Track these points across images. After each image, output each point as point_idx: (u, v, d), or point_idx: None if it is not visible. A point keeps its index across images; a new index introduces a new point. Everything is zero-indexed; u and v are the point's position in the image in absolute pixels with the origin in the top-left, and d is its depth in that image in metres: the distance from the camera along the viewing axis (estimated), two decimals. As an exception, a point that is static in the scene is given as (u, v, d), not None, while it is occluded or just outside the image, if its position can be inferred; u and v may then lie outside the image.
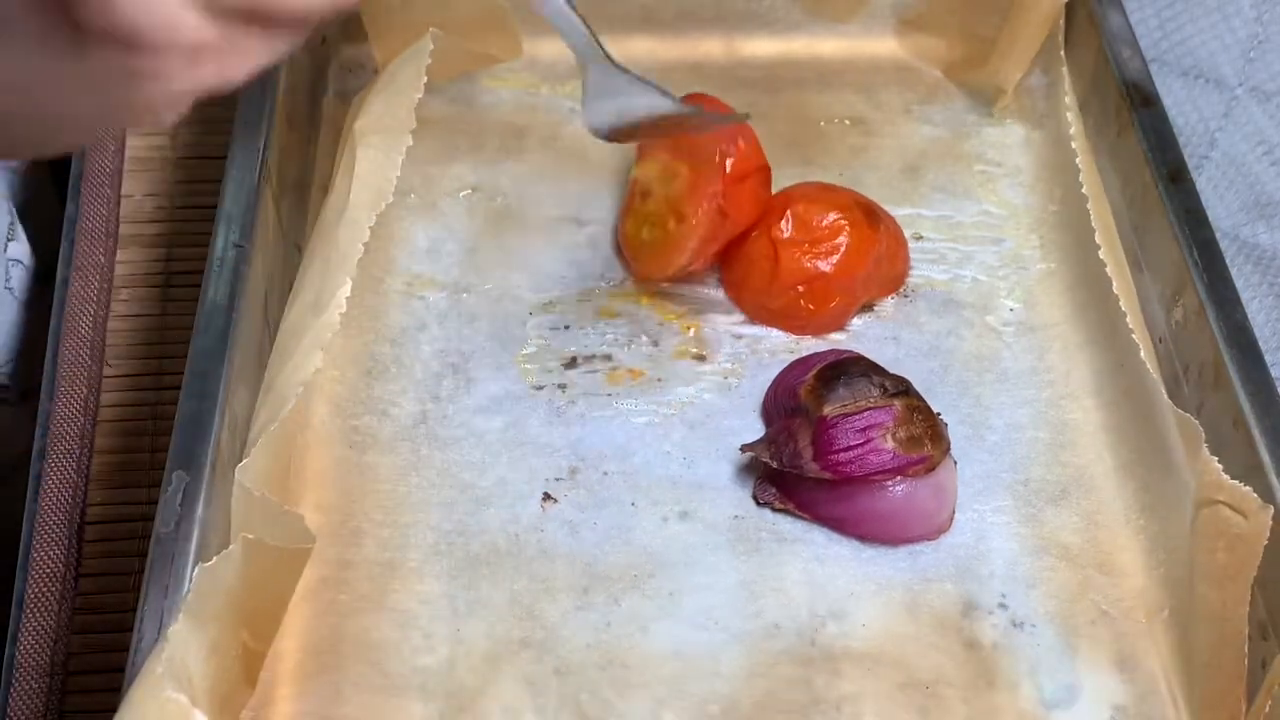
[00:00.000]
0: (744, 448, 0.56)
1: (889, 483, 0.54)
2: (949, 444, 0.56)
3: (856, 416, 0.54)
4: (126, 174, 0.68)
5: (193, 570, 0.47)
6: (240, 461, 0.50)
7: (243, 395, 0.53)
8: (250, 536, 0.46)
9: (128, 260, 0.65)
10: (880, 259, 0.61)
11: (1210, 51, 0.71)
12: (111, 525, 0.57)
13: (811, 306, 0.61)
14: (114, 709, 0.44)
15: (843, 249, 0.60)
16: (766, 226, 0.61)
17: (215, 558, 0.45)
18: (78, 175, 0.67)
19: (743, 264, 0.62)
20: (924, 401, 0.56)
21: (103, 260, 0.65)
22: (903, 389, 0.55)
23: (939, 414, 0.56)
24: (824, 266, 0.60)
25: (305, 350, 0.52)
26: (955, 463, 0.56)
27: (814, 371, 0.56)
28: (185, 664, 0.43)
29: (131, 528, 0.57)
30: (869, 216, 0.61)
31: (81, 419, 0.60)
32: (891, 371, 0.56)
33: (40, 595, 0.55)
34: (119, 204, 0.67)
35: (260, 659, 0.50)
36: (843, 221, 0.60)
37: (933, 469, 0.54)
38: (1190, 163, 0.61)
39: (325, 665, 0.51)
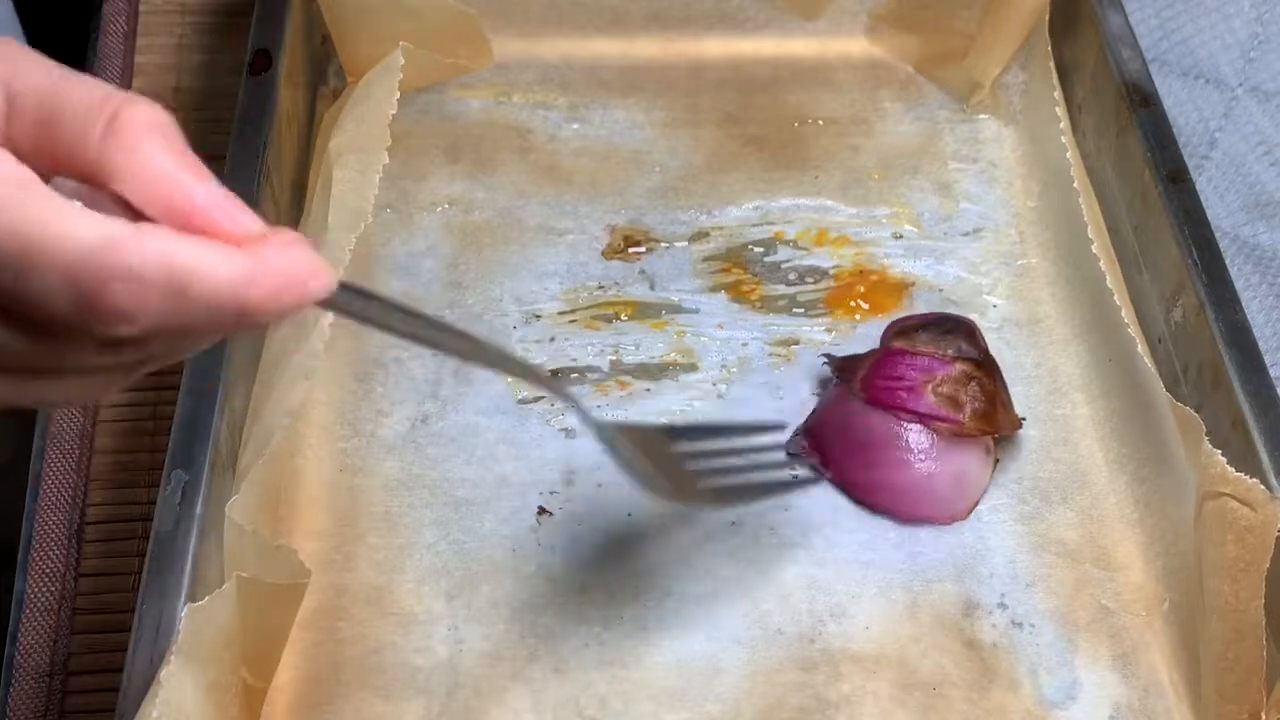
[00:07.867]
0: (825, 357, 0.58)
1: (914, 451, 0.55)
2: (994, 434, 0.56)
3: (917, 358, 0.55)
4: (127, 174, 0.68)
5: (192, 570, 0.47)
6: (237, 467, 0.50)
7: (243, 395, 0.53)
8: (245, 575, 0.45)
9: (128, 260, 0.65)
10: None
11: (1210, 51, 0.71)
12: (111, 525, 0.57)
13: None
14: (114, 709, 0.44)
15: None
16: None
17: (207, 597, 0.44)
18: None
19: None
20: (995, 384, 0.56)
21: (103, 260, 0.65)
22: (976, 359, 0.56)
23: (1024, 419, 0.57)
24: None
25: (291, 379, 0.51)
26: (996, 460, 0.57)
27: (927, 320, 0.58)
28: (182, 707, 0.42)
29: (131, 528, 0.57)
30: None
31: (81, 419, 0.60)
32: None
33: (40, 595, 0.55)
34: (119, 204, 0.67)
35: (261, 695, 0.50)
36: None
37: (959, 436, 0.55)
38: (1190, 163, 0.61)
39: (326, 695, 0.51)
